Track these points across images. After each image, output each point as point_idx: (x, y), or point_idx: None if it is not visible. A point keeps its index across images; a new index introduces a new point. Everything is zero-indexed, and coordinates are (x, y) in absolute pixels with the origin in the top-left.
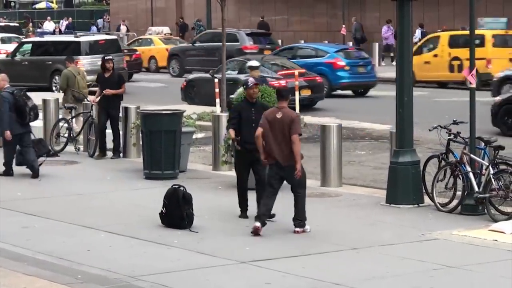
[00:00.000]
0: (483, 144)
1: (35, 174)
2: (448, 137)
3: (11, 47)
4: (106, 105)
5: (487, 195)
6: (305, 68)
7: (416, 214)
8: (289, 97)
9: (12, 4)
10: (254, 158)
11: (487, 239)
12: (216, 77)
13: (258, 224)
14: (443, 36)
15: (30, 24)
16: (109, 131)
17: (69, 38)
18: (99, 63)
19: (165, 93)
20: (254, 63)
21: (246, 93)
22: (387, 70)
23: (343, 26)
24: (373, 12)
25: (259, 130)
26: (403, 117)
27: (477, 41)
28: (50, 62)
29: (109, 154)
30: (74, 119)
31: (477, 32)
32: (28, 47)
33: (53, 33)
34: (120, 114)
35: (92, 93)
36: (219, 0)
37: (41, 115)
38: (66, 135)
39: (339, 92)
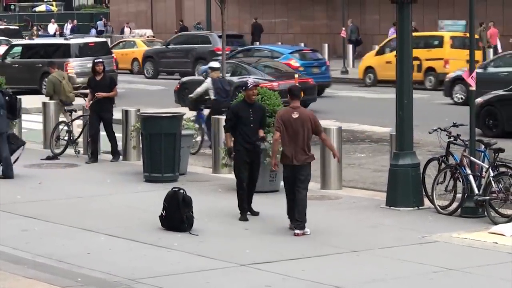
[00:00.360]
0: (483, 146)
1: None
2: (448, 140)
3: (1, 49)
4: (99, 108)
5: (487, 197)
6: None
7: (416, 216)
8: (301, 96)
9: (12, 7)
10: (253, 158)
11: (487, 241)
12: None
13: (298, 231)
14: None
15: (35, 28)
16: (103, 133)
17: (59, 40)
18: (89, 65)
19: (159, 96)
20: (214, 64)
21: (245, 94)
22: None
23: (343, 28)
24: (373, 14)
25: (277, 135)
26: (403, 120)
27: (435, 42)
28: (40, 65)
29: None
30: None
31: (436, 33)
32: (18, 49)
33: (54, 35)
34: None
35: (85, 95)
36: (219, 3)
37: (41, 118)
38: (66, 138)
39: None
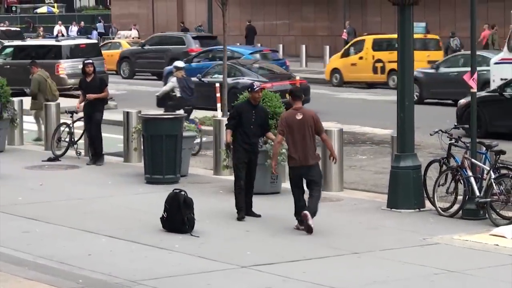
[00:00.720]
0: (484, 148)
1: None
2: (449, 142)
3: None
4: (90, 109)
5: (488, 199)
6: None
7: (417, 218)
8: (303, 96)
9: (14, 8)
10: (251, 157)
11: (488, 243)
12: (203, 81)
13: (309, 216)
14: (367, 40)
15: (41, 28)
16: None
17: (50, 42)
18: (80, 66)
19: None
20: (179, 63)
21: (250, 95)
22: None
23: (344, 30)
24: (374, 16)
25: (279, 137)
26: (404, 122)
27: (397, 45)
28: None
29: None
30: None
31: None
32: (10, 51)
33: (56, 37)
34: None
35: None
36: (220, 5)
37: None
38: (67, 139)
39: None
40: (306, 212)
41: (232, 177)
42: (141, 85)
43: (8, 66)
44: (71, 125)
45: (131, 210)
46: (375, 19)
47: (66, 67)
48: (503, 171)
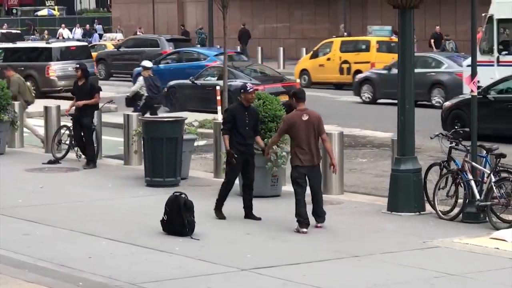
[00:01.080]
0: (484, 152)
1: None
2: (450, 145)
3: None
4: (77, 114)
5: (489, 203)
6: (189, 71)
7: (417, 222)
8: (305, 97)
9: (14, 11)
10: (247, 158)
11: (488, 247)
12: (196, 83)
13: (320, 224)
14: (335, 42)
15: (46, 32)
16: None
17: (41, 44)
18: (70, 68)
19: None
20: (147, 63)
21: (243, 97)
22: None
23: (345, 33)
24: (375, 19)
25: (276, 137)
26: (404, 125)
27: (363, 46)
28: (22, 68)
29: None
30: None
31: (364, 38)
32: (0, 53)
33: (57, 39)
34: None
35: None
36: (221, 8)
37: (42, 122)
38: (67, 142)
39: None
40: (320, 225)
41: None
42: (117, 86)
43: None
44: (71, 128)
45: (132, 213)
46: (376, 22)
47: (56, 69)
48: (504, 175)
